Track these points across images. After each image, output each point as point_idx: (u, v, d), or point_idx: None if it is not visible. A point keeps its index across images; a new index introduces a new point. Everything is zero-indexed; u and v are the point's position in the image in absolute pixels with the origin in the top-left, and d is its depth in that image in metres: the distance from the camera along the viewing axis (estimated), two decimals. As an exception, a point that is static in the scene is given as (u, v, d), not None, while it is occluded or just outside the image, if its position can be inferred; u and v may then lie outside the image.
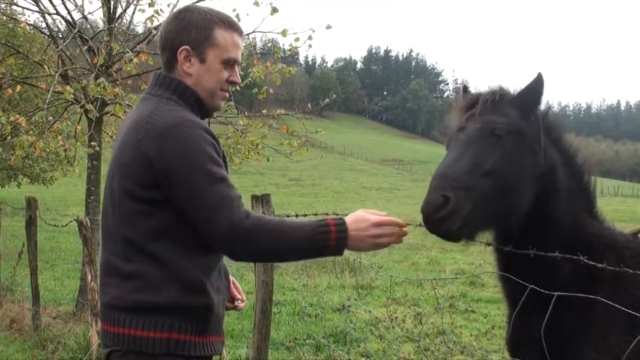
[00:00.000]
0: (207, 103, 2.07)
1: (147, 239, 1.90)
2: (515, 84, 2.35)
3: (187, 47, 2.00)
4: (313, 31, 7.65)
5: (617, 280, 2.07)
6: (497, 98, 2.25)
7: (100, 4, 7.89)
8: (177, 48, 2.01)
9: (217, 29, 2.02)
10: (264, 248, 1.87)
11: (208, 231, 1.86)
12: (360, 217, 1.93)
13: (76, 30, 7.62)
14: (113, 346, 1.94)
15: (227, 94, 2.15)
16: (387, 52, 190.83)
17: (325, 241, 1.87)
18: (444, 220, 1.98)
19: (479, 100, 2.27)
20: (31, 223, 7.11)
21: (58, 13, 7.87)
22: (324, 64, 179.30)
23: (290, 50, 8.01)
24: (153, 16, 7.79)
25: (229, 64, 2.06)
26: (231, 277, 2.23)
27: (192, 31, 2.00)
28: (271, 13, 7.73)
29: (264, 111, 8.15)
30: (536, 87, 2.27)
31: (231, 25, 2.05)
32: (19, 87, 7.76)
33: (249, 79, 7.50)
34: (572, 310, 2.10)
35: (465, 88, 2.49)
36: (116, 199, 1.95)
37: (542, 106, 2.32)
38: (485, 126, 2.16)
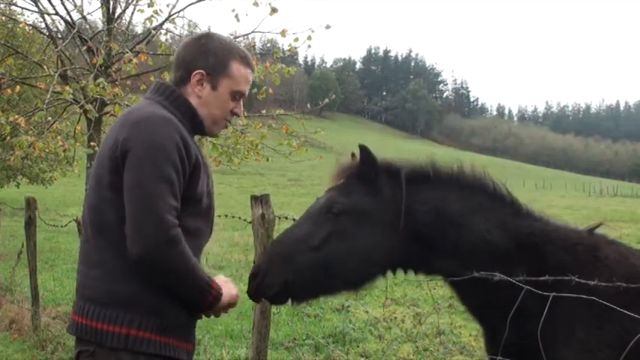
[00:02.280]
0: (206, 127, 2.16)
1: (110, 228, 1.92)
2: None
3: (202, 72, 2.09)
4: (312, 32, 7.66)
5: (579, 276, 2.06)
6: (349, 174, 2.38)
7: (99, 5, 7.91)
8: (192, 70, 2.10)
9: (234, 62, 2.13)
10: (170, 262, 1.85)
11: (133, 222, 1.84)
12: (228, 289, 2.06)
13: (75, 30, 7.63)
14: (78, 336, 1.98)
15: (227, 124, 2.26)
16: (386, 52, 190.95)
17: (208, 292, 1.96)
18: (255, 291, 2.24)
19: (339, 173, 2.42)
20: (30, 224, 7.11)
21: (57, 14, 7.89)
22: (324, 65, 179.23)
23: (289, 50, 8.02)
24: (152, 16, 7.80)
25: (237, 97, 2.16)
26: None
27: (211, 58, 2.10)
28: (270, 14, 7.73)
29: (264, 111, 8.15)
30: (365, 162, 2.34)
31: (246, 62, 2.16)
32: (18, 87, 7.77)
33: (249, 79, 7.49)
34: (537, 313, 2.11)
35: (354, 155, 2.55)
36: (91, 186, 2.02)
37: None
38: (326, 203, 2.33)
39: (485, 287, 2.21)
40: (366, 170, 2.34)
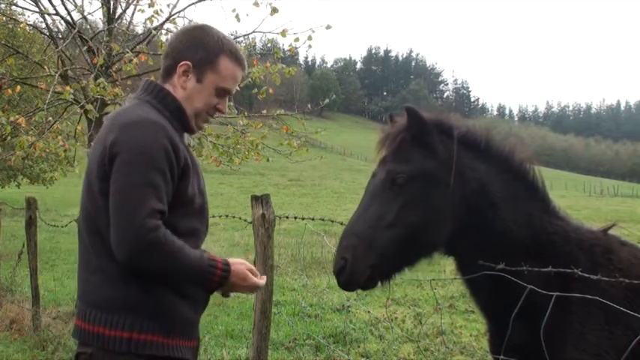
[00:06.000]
0: (190, 122, 2.12)
1: (106, 234, 1.89)
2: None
3: (189, 63, 2.06)
4: (313, 32, 7.65)
5: (588, 278, 2.06)
6: (400, 140, 2.32)
7: (100, 5, 7.91)
8: (180, 60, 2.07)
9: (223, 57, 2.08)
10: (159, 263, 1.83)
11: (115, 229, 1.83)
12: (239, 266, 2.02)
13: (75, 30, 7.62)
14: (81, 341, 1.97)
15: (210, 120, 2.22)
16: (386, 52, 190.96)
17: (212, 273, 1.93)
18: (347, 282, 2.21)
19: (387, 141, 2.35)
20: (30, 224, 7.11)
21: (57, 14, 7.88)
22: (324, 65, 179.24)
23: (290, 50, 8.00)
24: (152, 16, 7.79)
25: (222, 94, 2.12)
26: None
27: (200, 51, 2.06)
28: (271, 14, 7.72)
29: (264, 111, 8.14)
30: (413, 123, 2.30)
31: (237, 59, 2.12)
32: (18, 87, 7.75)
33: (249, 79, 7.49)
34: (552, 312, 2.09)
35: (392, 117, 2.52)
36: (84, 191, 2.00)
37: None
38: (387, 177, 2.27)
39: (500, 283, 2.19)
40: (417, 132, 2.29)
